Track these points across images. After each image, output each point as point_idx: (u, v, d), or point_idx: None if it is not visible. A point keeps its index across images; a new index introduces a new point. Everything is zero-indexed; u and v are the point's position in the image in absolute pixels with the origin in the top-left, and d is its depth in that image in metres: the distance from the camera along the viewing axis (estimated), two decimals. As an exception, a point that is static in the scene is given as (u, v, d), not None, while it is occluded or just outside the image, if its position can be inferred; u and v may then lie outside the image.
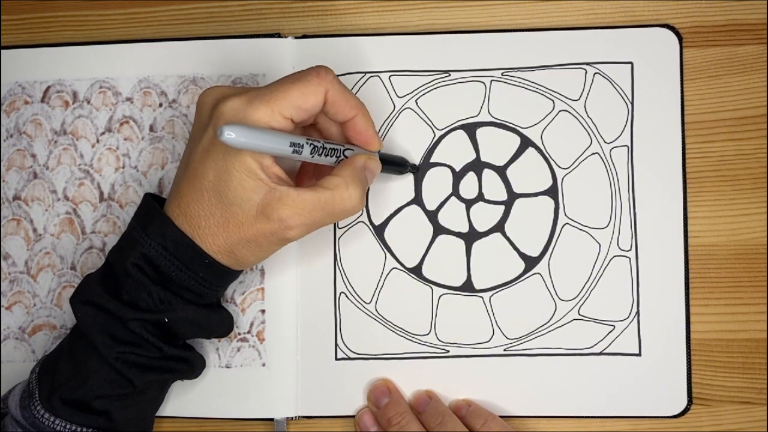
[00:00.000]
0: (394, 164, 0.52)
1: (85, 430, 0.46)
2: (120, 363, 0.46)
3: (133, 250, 0.46)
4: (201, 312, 0.48)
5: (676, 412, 0.52)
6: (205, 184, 0.44)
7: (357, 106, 0.47)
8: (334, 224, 0.54)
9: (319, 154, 0.45)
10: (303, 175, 0.51)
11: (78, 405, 0.46)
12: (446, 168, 0.54)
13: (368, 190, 0.54)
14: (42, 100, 0.55)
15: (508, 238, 0.53)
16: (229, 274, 0.47)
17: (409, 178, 0.54)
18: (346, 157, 0.47)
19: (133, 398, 0.47)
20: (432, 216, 0.54)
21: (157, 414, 0.53)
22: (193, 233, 0.45)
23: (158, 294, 0.46)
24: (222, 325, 0.50)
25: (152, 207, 0.47)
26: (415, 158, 0.54)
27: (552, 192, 0.53)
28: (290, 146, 0.43)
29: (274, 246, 0.46)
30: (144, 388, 0.47)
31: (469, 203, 0.54)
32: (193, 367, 0.50)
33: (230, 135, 0.40)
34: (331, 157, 0.46)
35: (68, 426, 0.46)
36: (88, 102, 0.55)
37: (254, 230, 0.44)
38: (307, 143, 0.44)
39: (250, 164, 0.43)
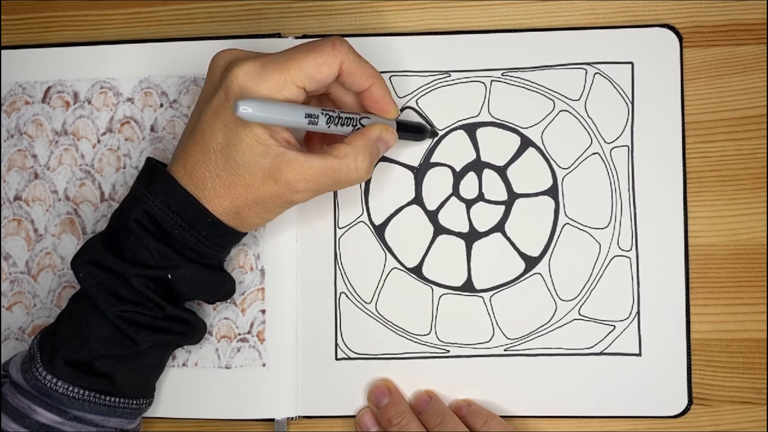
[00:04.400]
0: (412, 131, 0.52)
1: (87, 393, 0.46)
2: (122, 321, 0.45)
3: (135, 207, 0.46)
4: (203, 271, 0.47)
5: (676, 412, 0.52)
6: (213, 146, 0.45)
7: (373, 75, 0.47)
8: (335, 224, 0.54)
9: (335, 124, 0.45)
10: (311, 138, 0.51)
11: (80, 366, 0.46)
12: (446, 168, 0.54)
13: (371, 179, 0.54)
14: (43, 101, 0.55)
15: (508, 238, 0.53)
16: (232, 235, 0.47)
17: (409, 179, 0.54)
18: (362, 125, 0.47)
19: (135, 360, 0.47)
20: (432, 216, 0.54)
21: (158, 415, 0.53)
22: (199, 194, 0.45)
23: (160, 251, 0.46)
24: (224, 287, 0.50)
25: (155, 167, 0.47)
26: (416, 158, 0.54)
27: (552, 192, 0.53)
28: (305, 117, 0.43)
29: (279, 208, 0.47)
30: (146, 350, 0.47)
31: (469, 203, 0.54)
32: (194, 329, 0.50)
33: (246, 110, 0.40)
34: (347, 126, 0.46)
35: (70, 388, 0.46)
36: (89, 102, 0.55)
37: (261, 192, 0.45)
38: (322, 114, 0.44)
39: (260, 133, 0.43)
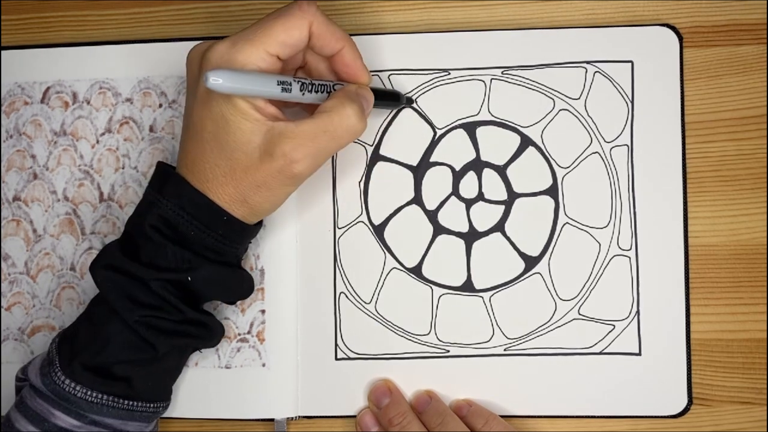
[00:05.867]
0: (387, 98, 0.51)
1: (105, 397, 0.46)
2: (141, 326, 0.45)
3: (149, 213, 0.46)
4: (222, 271, 0.47)
5: (676, 412, 0.52)
6: (205, 136, 0.44)
7: (343, 38, 0.46)
8: (334, 224, 0.54)
9: (309, 91, 0.45)
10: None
11: (99, 371, 0.46)
12: (446, 167, 0.54)
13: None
14: (42, 101, 0.55)
15: (508, 238, 0.53)
16: (247, 230, 0.47)
17: (408, 178, 0.54)
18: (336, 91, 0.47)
19: (153, 364, 0.47)
20: (432, 216, 0.54)
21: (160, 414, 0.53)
22: (203, 187, 0.45)
23: (178, 254, 0.46)
24: (242, 285, 0.50)
25: (165, 170, 0.47)
26: (415, 157, 0.54)
27: (552, 191, 0.53)
28: (278, 85, 0.43)
29: (284, 186, 0.46)
30: (164, 354, 0.47)
31: (469, 203, 0.54)
32: (212, 333, 0.50)
33: (216, 80, 0.40)
34: (322, 93, 0.46)
35: (89, 393, 0.46)
36: (88, 102, 0.55)
37: (261, 172, 0.44)
38: (294, 81, 0.44)
39: (242, 106, 0.43)
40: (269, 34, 0.43)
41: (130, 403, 0.47)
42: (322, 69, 0.49)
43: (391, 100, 0.52)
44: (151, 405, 0.48)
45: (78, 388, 0.45)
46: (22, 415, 0.46)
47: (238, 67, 0.43)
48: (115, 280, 0.46)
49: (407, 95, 0.53)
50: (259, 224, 0.49)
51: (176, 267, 0.46)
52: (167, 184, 0.46)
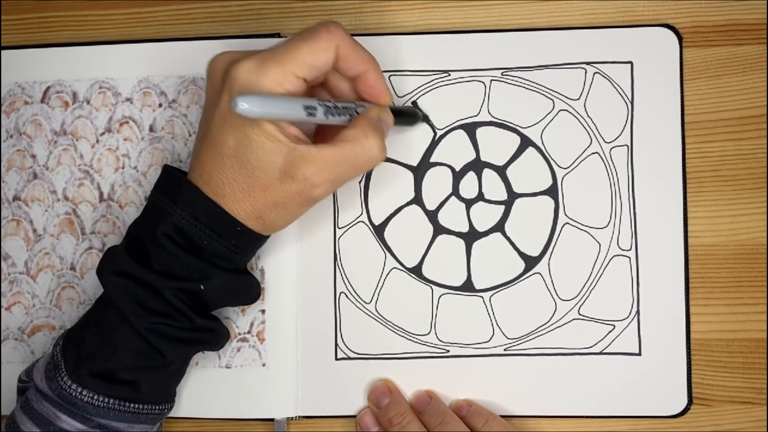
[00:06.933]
0: (405, 116, 0.52)
1: (111, 401, 0.46)
2: (151, 334, 0.45)
3: (162, 220, 0.46)
4: (234, 278, 0.48)
5: (676, 412, 0.52)
6: (225, 151, 0.44)
7: (368, 60, 0.47)
8: (334, 224, 0.54)
9: (333, 115, 0.45)
10: (319, 136, 0.51)
11: (105, 376, 0.46)
12: (446, 168, 0.54)
13: (372, 178, 0.54)
14: (42, 101, 0.55)
15: (508, 238, 0.53)
16: (259, 239, 0.48)
17: (408, 178, 0.54)
18: (359, 114, 0.47)
19: (160, 370, 0.47)
20: (432, 216, 0.54)
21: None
22: (220, 201, 0.45)
23: (192, 263, 0.46)
24: (251, 291, 0.50)
25: (177, 177, 0.47)
26: (415, 158, 0.54)
27: (552, 192, 0.53)
28: (304, 110, 0.43)
29: (301, 207, 0.46)
30: (171, 361, 0.47)
31: (469, 203, 0.54)
32: (219, 337, 0.50)
33: (244, 105, 0.40)
34: (344, 116, 0.46)
35: (95, 397, 0.46)
36: (88, 102, 0.55)
37: (280, 192, 0.44)
38: (319, 104, 0.44)
39: (268, 128, 0.43)
40: (297, 56, 0.43)
41: (136, 406, 0.47)
42: (343, 88, 0.49)
43: (409, 117, 0.52)
44: (157, 407, 0.48)
45: (84, 392, 0.46)
46: (28, 417, 0.46)
47: (265, 90, 0.43)
48: (127, 286, 0.46)
49: (423, 112, 0.54)
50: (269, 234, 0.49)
51: (189, 276, 0.46)
52: (180, 193, 0.46)
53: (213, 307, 0.49)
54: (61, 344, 0.48)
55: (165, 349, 0.46)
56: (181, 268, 0.46)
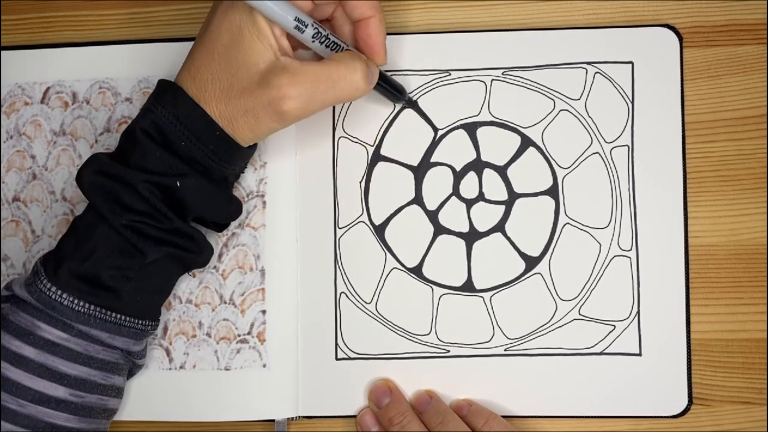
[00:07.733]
0: (392, 87, 0.51)
1: (92, 307, 0.45)
2: (128, 231, 0.45)
3: (143, 118, 0.46)
4: (210, 186, 0.47)
5: (676, 412, 0.52)
6: (217, 47, 0.45)
7: (375, 7, 0.47)
8: (335, 224, 0.54)
9: (320, 42, 0.45)
10: None
11: (86, 279, 0.45)
12: (447, 168, 0.54)
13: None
14: (42, 101, 0.55)
15: (508, 238, 0.53)
16: (237, 150, 0.47)
17: (409, 178, 0.54)
18: None
19: (141, 274, 0.46)
20: (432, 216, 0.54)
21: (157, 418, 0.52)
22: (199, 96, 0.45)
23: (167, 159, 0.46)
24: (230, 205, 0.50)
25: (166, 81, 0.47)
26: (416, 158, 0.54)
27: (552, 192, 0.53)
28: (294, 20, 0.43)
29: (269, 121, 0.46)
30: (153, 267, 0.47)
31: (469, 203, 0.54)
32: (201, 247, 0.49)
33: None
34: (331, 50, 0.46)
35: (75, 301, 0.45)
36: (88, 102, 0.55)
37: (254, 98, 0.44)
38: (312, 25, 0.44)
39: (263, 28, 0.44)
40: None
41: (117, 316, 0.46)
42: (345, 31, 0.49)
43: (394, 90, 0.52)
44: (139, 321, 0.48)
45: (65, 296, 0.45)
46: (5, 330, 0.45)
47: None
48: (103, 184, 0.45)
49: (410, 96, 0.53)
50: (251, 148, 0.49)
51: (164, 171, 0.46)
52: (166, 93, 0.46)
53: (191, 211, 0.48)
54: (41, 258, 0.47)
55: (144, 247, 0.45)
56: (156, 163, 0.45)
